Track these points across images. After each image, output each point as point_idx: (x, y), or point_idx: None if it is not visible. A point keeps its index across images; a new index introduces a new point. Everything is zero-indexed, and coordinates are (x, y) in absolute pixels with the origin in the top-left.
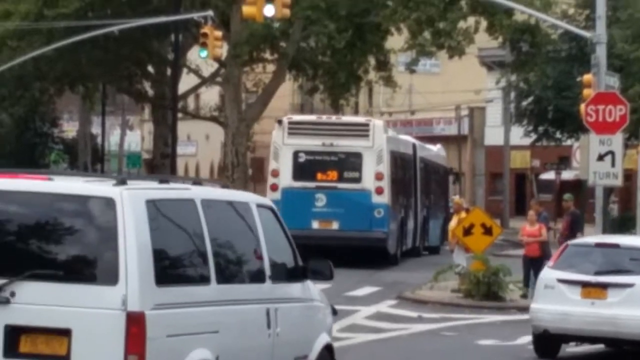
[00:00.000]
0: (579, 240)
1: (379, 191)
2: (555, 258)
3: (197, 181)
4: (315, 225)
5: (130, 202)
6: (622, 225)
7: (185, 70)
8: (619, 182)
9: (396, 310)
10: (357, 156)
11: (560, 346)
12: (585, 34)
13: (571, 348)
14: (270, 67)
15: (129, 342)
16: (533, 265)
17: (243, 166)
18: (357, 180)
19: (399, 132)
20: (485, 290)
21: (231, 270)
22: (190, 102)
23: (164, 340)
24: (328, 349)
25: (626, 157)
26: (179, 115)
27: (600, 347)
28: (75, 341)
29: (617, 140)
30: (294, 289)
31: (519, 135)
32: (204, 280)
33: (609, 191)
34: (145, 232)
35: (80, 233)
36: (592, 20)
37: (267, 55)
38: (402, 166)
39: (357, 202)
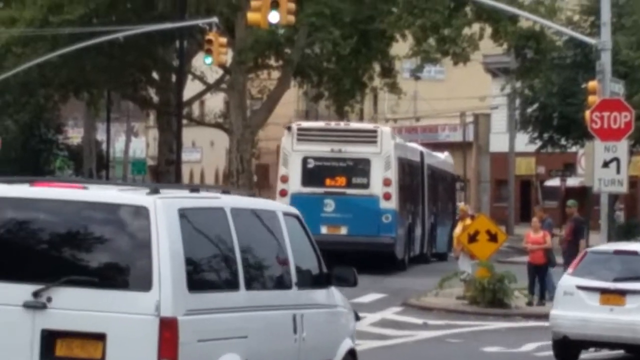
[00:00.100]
0: (598, 247)
1: (387, 197)
2: (575, 265)
3: (226, 190)
4: (323, 230)
5: (164, 210)
6: (628, 232)
7: (190, 76)
8: (624, 189)
9: (401, 317)
10: (365, 162)
11: (579, 352)
12: (590, 40)
13: (590, 354)
14: (275, 74)
15: (162, 346)
16: (538, 272)
17: (248, 173)
18: (365, 186)
19: (404, 138)
20: (490, 297)
21: (259, 277)
22: (195, 108)
23: (195, 345)
24: (351, 354)
25: (631, 164)
26: (184, 121)
27: (619, 352)
28: (110, 345)
29: (622, 147)
30: (319, 295)
31: (524, 142)
32: (233, 286)
33: (614, 198)
34: (177, 239)
35: (115, 240)
36: (597, 27)
37: (272, 61)
38: (410, 173)
39: (365, 207)
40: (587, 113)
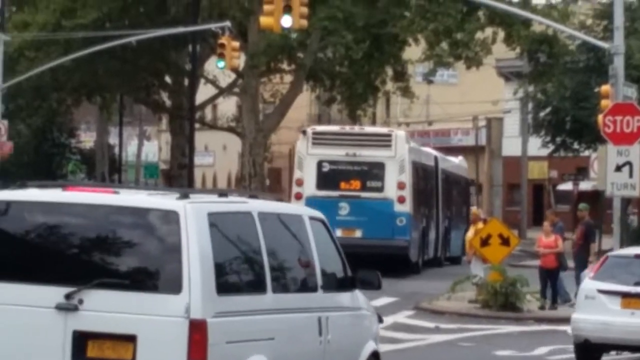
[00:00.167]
0: (619, 251)
1: (401, 200)
2: (596, 269)
3: (253, 194)
4: (338, 233)
5: (193, 214)
6: None
7: (202, 80)
8: (636, 192)
9: (413, 321)
10: (380, 166)
11: (601, 355)
12: (603, 44)
13: (611, 357)
14: (288, 78)
15: (192, 348)
16: (549, 276)
17: (260, 176)
18: (380, 189)
19: (416, 142)
20: (502, 301)
21: (286, 280)
22: (208, 112)
23: (223, 346)
24: (375, 356)
25: None
26: (197, 125)
27: None
28: (140, 347)
29: (634, 151)
30: (344, 298)
31: (536, 146)
32: (260, 289)
33: (626, 202)
34: (207, 243)
35: (145, 244)
36: (610, 31)
37: (285, 65)
38: (424, 177)
39: (379, 210)
40: (600, 117)
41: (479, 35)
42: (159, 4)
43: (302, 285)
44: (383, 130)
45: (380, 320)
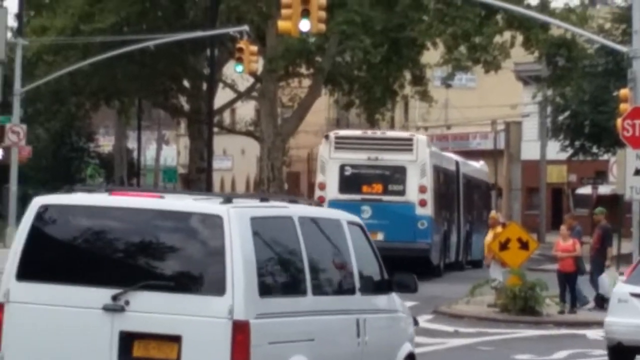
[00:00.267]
0: None
1: (422, 203)
2: (629, 273)
3: (293, 199)
4: None
5: (237, 219)
6: None
7: (221, 85)
8: None
9: (432, 325)
10: (401, 170)
11: (634, 358)
12: (622, 48)
13: None
14: (306, 82)
15: (235, 348)
16: (567, 280)
17: (279, 181)
18: (401, 193)
19: (435, 146)
20: (521, 305)
21: (325, 282)
22: (226, 116)
23: (265, 347)
24: (411, 358)
25: None
26: (215, 129)
27: None
28: (185, 347)
29: None
30: (380, 300)
31: (555, 149)
32: (301, 292)
33: None
34: (249, 246)
35: (190, 247)
36: (629, 35)
37: (303, 69)
38: (445, 181)
39: (401, 214)
40: (619, 121)
41: (497, 39)
42: (177, 8)
43: (340, 288)
44: (405, 134)
45: (416, 323)
